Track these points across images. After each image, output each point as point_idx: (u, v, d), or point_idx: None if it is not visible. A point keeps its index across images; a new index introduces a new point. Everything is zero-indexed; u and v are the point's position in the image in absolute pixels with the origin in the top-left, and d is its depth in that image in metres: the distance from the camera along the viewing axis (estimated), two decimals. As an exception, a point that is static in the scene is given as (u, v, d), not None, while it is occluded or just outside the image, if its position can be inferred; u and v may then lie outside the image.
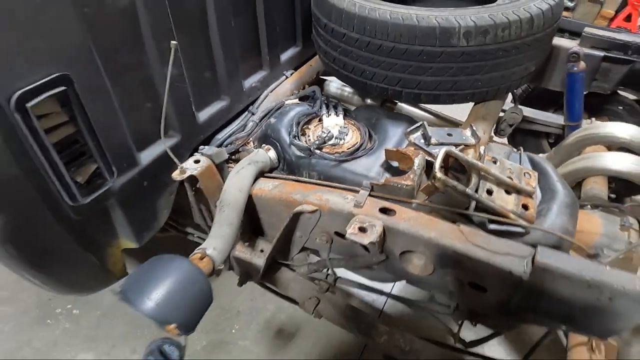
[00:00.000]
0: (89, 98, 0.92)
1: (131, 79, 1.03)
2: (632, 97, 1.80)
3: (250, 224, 1.22)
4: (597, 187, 1.36)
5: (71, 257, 1.07)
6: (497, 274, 0.88)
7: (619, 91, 1.78)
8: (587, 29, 1.54)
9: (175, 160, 1.08)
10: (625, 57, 1.53)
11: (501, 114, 1.60)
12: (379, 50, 1.23)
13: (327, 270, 1.21)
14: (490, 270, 0.88)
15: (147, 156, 1.13)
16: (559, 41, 1.55)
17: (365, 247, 1.04)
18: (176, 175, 1.07)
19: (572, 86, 1.55)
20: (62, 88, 0.85)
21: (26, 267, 0.99)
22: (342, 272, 1.22)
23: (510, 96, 1.68)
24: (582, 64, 1.51)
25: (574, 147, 1.52)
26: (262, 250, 1.20)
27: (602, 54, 1.53)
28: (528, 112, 1.82)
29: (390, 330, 1.14)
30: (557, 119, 1.76)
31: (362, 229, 0.93)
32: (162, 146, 1.14)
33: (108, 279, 1.22)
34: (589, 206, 1.21)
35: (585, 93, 1.61)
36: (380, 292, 1.25)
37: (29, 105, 0.80)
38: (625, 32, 1.64)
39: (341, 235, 1.07)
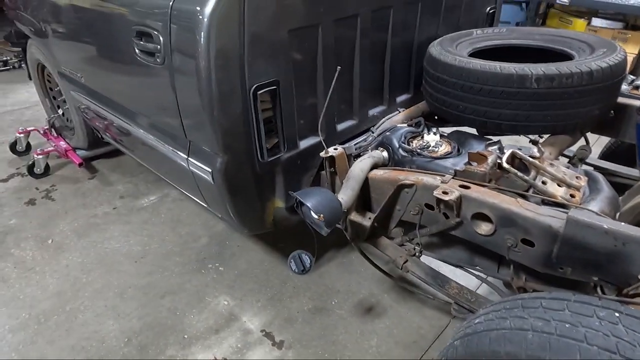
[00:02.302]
0: (283, 97, 1.54)
1: (305, 91, 1.65)
2: None
3: (364, 201, 1.71)
4: None
5: (251, 200, 1.65)
6: (541, 229, 1.24)
7: None
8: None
9: (324, 145, 1.64)
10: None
11: (574, 149, 1.93)
12: (471, 91, 1.71)
13: (415, 242, 1.63)
14: (536, 226, 1.24)
15: (303, 144, 1.72)
16: (629, 101, 1.89)
17: (445, 215, 1.46)
18: (323, 154, 1.64)
19: (640, 135, 1.85)
20: (274, 87, 1.49)
21: (228, 196, 1.58)
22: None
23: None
24: (648, 117, 1.81)
25: (644, 187, 1.77)
26: (369, 218, 1.67)
27: (669, 111, 1.82)
28: (609, 165, 2.11)
29: (459, 285, 1.50)
30: (633, 171, 2.01)
31: (445, 192, 1.36)
32: (313, 140, 1.73)
33: (263, 226, 1.79)
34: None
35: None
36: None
37: (259, 93, 1.44)
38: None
39: (430, 207, 1.50)
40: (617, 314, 0.92)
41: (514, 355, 0.94)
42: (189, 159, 1.68)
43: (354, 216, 1.69)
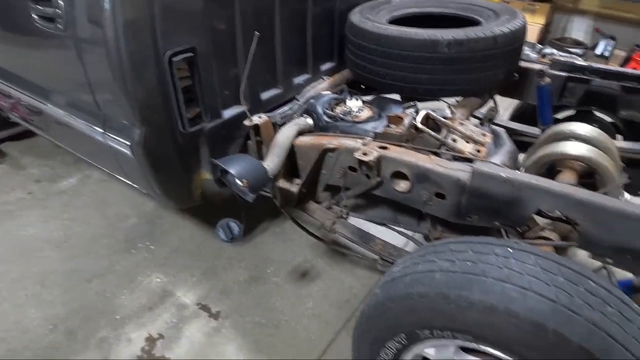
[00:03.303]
0: (202, 65, 1.50)
1: (225, 59, 1.62)
2: (609, 119, 2.26)
3: (291, 168, 1.74)
4: (565, 177, 1.77)
5: (175, 172, 1.61)
6: (451, 182, 1.34)
7: (594, 111, 2.25)
8: (550, 52, 2.05)
9: (248, 114, 1.63)
10: (583, 77, 2.00)
11: (484, 111, 2.08)
12: (390, 57, 1.78)
13: (342, 204, 1.69)
14: (447, 179, 1.34)
15: (227, 113, 1.69)
16: (531, 65, 2.06)
17: (367, 176, 1.52)
18: (247, 122, 1.63)
19: (541, 96, 2.03)
20: (191, 55, 1.44)
21: (151, 169, 1.54)
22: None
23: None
24: (547, 79, 1.99)
25: (544, 143, 1.96)
26: (297, 184, 1.70)
27: (565, 74, 2.02)
28: (515, 125, 2.30)
29: (383, 242, 1.59)
30: (537, 130, 2.22)
31: (365, 154, 1.43)
32: (237, 109, 1.71)
33: (191, 199, 1.76)
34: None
35: (571, 115, 2.10)
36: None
37: (174, 59, 1.39)
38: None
39: (353, 169, 1.57)
40: (510, 250, 1.03)
41: (424, 294, 1.03)
42: (106, 133, 1.60)
43: (282, 183, 1.72)
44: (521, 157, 1.89)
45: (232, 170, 1.28)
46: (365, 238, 1.65)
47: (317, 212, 1.72)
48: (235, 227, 1.48)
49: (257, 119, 1.66)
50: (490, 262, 1.01)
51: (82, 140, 1.81)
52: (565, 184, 1.23)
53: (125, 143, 1.52)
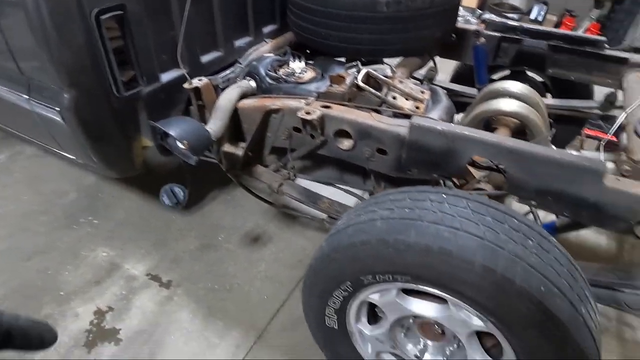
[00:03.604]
0: (133, 23, 1.42)
1: (159, 19, 1.54)
2: (540, 79, 2.39)
3: (236, 132, 1.72)
4: (500, 134, 1.87)
5: (112, 138, 1.55)
6: (391, 137, 1.38)
7: (527, 71, 2.38)
8: (488, 17, 2.12)
9: (188, 77, 1.58)
10: (515, 37, 2.10)
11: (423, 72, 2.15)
12: (330, 17, 1.77)
13: (289, 166, 1.71)
14: (388, 135, 1.39)
15: (165, 77, 1.63)
16: (467, 25, 2.13)
17: (311, 135, 1.54)
18: (186, 85, 1.58)
19: (477, 56, 2.11)
20: (120, 12, 1.37)
21: (85, 136, 1.46)
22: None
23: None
24: (482, 39, 2.07)
25: (480, 101, 2.06)
26: (242, 147, 1.69)
27: (499, 34, 2.11)
28: (453, 86, 2.39)
29: (330, 200, 1.63)
30: (474, 90, 2.31)
31: (308, 113, 1.43)
32: (176, 73, 1.65)
33: (133, 168, 1.70)
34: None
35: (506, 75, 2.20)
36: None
37: (102, 17, 1.31)
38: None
39: (298, 130, 1.57)
40: (444, 196, 1.10)
41: (366, 242, 1.07)
42: (31, 99, 1.49)
43: (227, 147, 1.70)
44: (460, 116, 1.99)
45: (171, 132, 1.25)
46: (313, 198, 1.68)
47: (264, 175, 1.73)
48: (179, 192, 1.46)
49: (197, 81, 1.61)
50: (425, 208, 1.07)
51: (5, 109, 1.68)
52: (493, 134, 1.31)
53: (54, 109, 1.43)
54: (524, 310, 0.93)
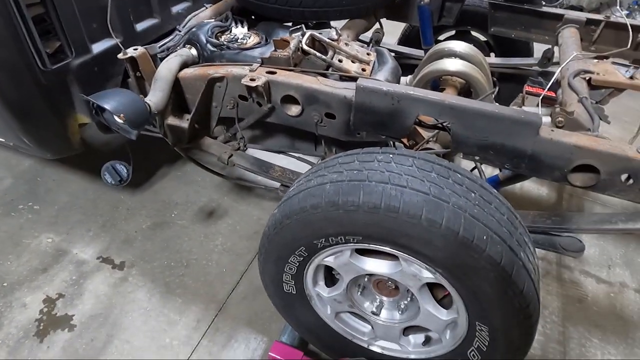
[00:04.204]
0: (55, -12, 1.31)
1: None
2: (483, 38, 2.44)
3: (179, 104, 1.64)
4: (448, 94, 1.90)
5: (42, 116, 1.44)
6: (339, 101, 1.37)
7: (471, 31, 2.42)
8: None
9: (121, 46, 1.48)
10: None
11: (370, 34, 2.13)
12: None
13: (238, 136, 1.67)
14: (335, 98, 1.38)
15: (97, 47, 1.52)
16: (411, -13, 2.12)
17: (258, 103, 1.50)
18: (120, 55, 1.48)
19: (422, 16, 2.11)
20: (37, -25, 1.24)
21: (10, 115, 1.35)
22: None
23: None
24: (427, 0, 2.07)
25: (426, 62, 2.08)
26: (187, 119, 1.63)
27: (443, -6, 2.11)
28: (401, 48, 2.40)
29: (282, 168, 1.62)
30: (420, 52, 2.33)
31: (252, 79, 1.39)
32: (109, 43, 1.55)
33: (70, 148, 1.60)
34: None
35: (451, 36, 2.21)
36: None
37: (14, -18, 1.19)
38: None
39: (244, 98, 1.53)
40: (391, 155, 1.11)
41: (316, 205, 1.08)
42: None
43: (172, 120, 1.63)
44: (408, 78, 2.00)
45: (106, 105, 1.17)
46: (265, 167, 1.66)
47: (213, 147, 1.68)
48: (122, 169, 1.38)
49: (133, 51, 1.51)
50: (373, 168, 1.08)
51: None
52: (436, 92, 1.33)
53: (-29, 87, 1.31)
54: (467, 259, 0.98)
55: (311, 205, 1.09)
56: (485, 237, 0.96)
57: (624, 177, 1.20)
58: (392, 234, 1.03)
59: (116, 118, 1.21)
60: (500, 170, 1.58)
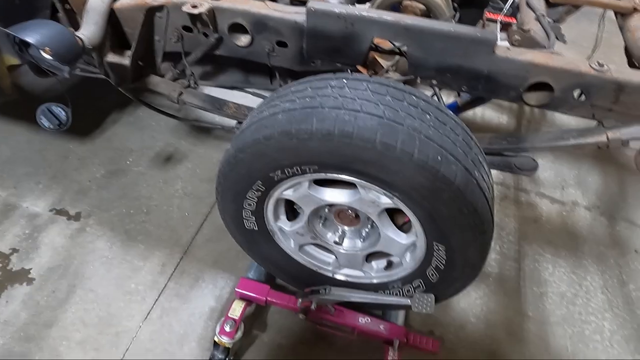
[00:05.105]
0: None
1: None
2: None
3: (118, 39, 1.51)
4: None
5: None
6: (289, 27, 1.29)
7: None
8: None
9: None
10: None
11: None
12: None
13: (187, 73, 1.56)
14: (285, 24, 1.29)
15: (14, -24, 1.35)
16: None
17: (205, 34, 1.39)
18: (43, -16, 1.32)
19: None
20: None
21: None
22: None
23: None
24: None
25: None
26: (129, 56, 1.50)
27: None
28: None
29: (236, 104, 1.55)
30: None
31: (194, 6, 1.28)
32: (27, -30, 1.37)
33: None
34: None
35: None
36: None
37: None
38: None
39: (188, 29, 1.41)
40: (344, 80, 1.06)
41: (270, 136, 1.03)
42: None
43: (112, 57, 1.50)
44: (367, 5, 1.90)
45: (28, 38, 1.05)
46: (218, 104, 1.57)
47: (161, 86, 1.57)
48: (60, 112, 1.27)
49: (58, -21, 1.35)
50: (326, 95, 1.03)
51: None
52: (391, 12, 1.26)
53: None
54: (423, 180, 0.97)
55: (264, 136, 1.04)
56: (439, 158, 0.95)
57: (576, 93, 1.21)
58: (348, 161, 1.01)
59: (42, 53, 1.09)
60: (459, 95, 1.56)
